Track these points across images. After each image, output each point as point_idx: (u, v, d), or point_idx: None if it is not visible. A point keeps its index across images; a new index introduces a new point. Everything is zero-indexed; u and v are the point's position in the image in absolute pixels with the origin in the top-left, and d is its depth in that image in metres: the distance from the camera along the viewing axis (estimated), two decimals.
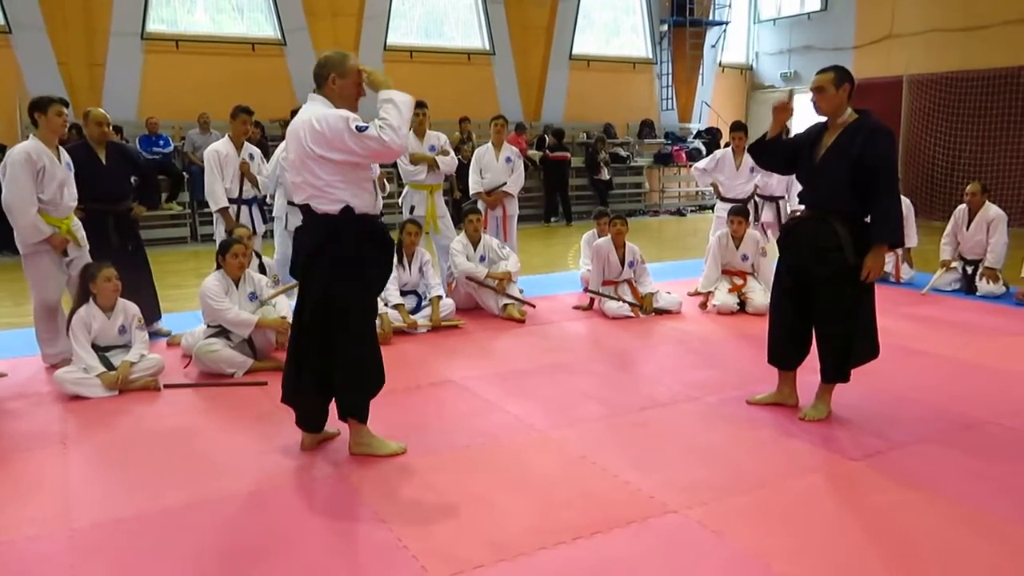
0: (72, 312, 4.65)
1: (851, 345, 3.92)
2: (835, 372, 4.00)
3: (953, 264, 7.38)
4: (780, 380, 4.24)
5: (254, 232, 5.99)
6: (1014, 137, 12.39)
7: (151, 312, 5.68)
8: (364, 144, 3.20)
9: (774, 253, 7.29)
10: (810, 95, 3.97)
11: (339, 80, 3.35)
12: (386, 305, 5.73)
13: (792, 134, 4.23)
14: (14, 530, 2.95)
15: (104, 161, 5.44)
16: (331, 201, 3.32)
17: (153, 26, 12.30)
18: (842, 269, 3.80)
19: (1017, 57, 12.42)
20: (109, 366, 4.53)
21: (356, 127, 3.18)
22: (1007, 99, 12.46)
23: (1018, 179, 12.26)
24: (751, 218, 6.94)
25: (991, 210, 7.24)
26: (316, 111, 3.30)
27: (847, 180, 3.75)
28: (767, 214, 7.42)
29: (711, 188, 7.72)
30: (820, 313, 3.96)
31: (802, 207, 4.10)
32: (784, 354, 4.17)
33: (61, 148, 4.94)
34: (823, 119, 3.96)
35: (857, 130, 3.81)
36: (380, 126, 3.20)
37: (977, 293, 7.09)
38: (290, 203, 6.08)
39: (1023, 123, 12.30)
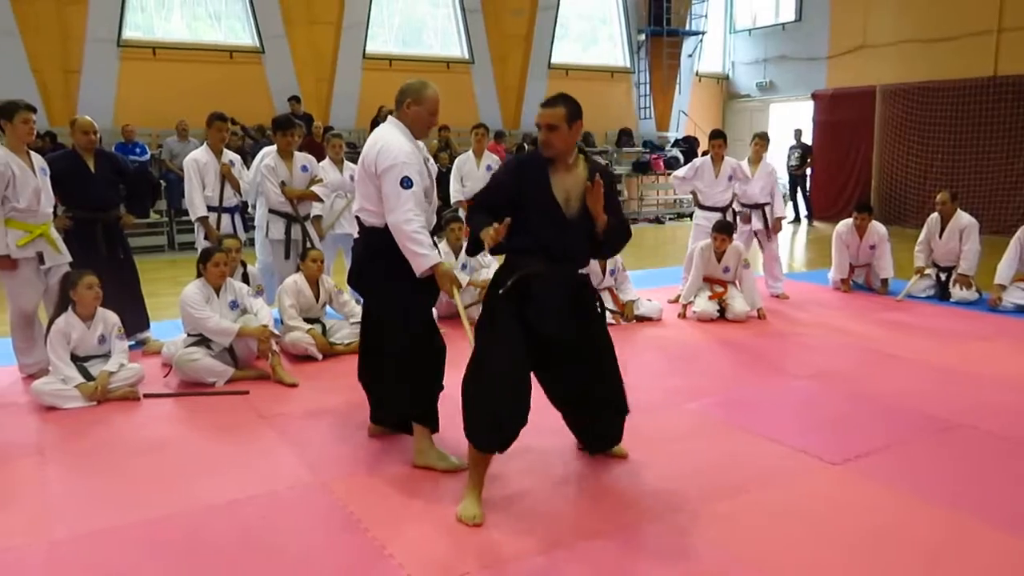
0: (51, 321, 4.59)
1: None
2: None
3: (927, 271, 7.51)
4: None
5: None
6: (985, 146, 12.63)
7: (139, 321, 5.64)
8: (395, 196, 3.29)
9: (756, 264, 7.40)
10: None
11: (414, 106, 3.44)
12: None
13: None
14: None
15: (93, 169, 5.39)
16: (378, 216, 3.41)
17: (129, 33, 12.20)
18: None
19: (986, 67, 12.69)
20: (88, 376, 4.48)
21: (403, 179, 3.29)
22: (977, 109, 12.70)
23: (989, 187, 12.49)
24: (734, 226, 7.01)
25: (963, 218, 7.38)
26: (388, 135, 3.42)
27: None
28: (756, 222, 7.51)
29: (690, 196, 7.79)
30: None
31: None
32: None
33: (34, 154, 4.89)
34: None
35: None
36: (413, 227, 3.29)
37: (951, 299, 7.21)
38: (271, 211, 6.06)
39: (993, 132, 12.54)
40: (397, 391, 3.59)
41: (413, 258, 3.32)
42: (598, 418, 3.55)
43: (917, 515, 3.09)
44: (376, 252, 3.48)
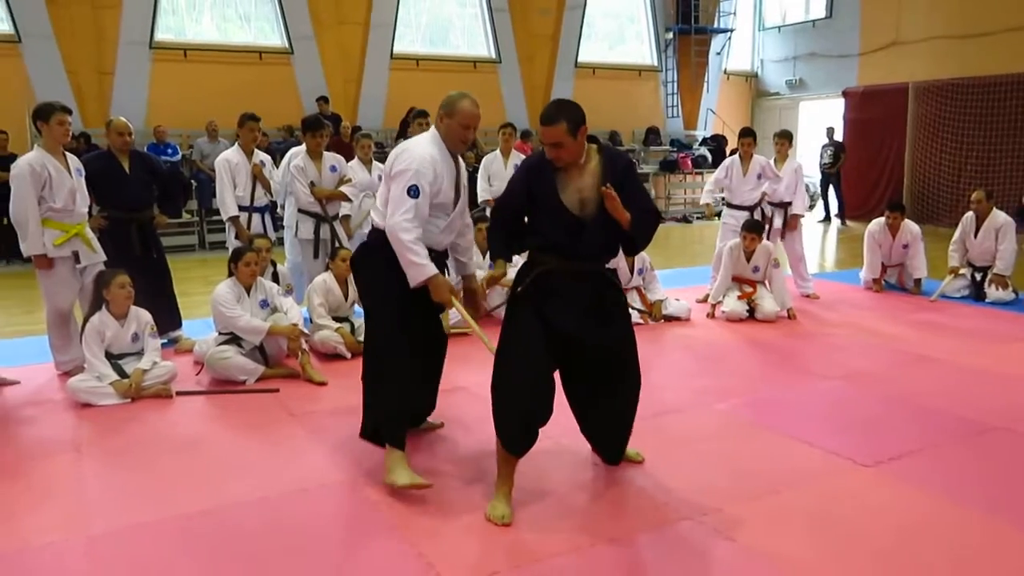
0: (85, 320, 4.67)
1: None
2: None
3: (962, 271, 7.38)
4: None
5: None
6: (1020, 143, 12.39)
7: (171, 320, 5.71)
8: (399, 201, 3.24)
9: (786, 263, 7.32)
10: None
11: (446, 119, 3.39)
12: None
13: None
14: (31, 537, 2.97)
15: (127, 170, 5.48)
16: (382, 216, 3.41)
17: (161, 35, 12.38)
18: None
19: (1021, 63, 12.44)
20: (122, 374, 4.55)
21: (410, 187, 3.24)
22: (1012, 106, 12.46)
23: None
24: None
25: (999, 217, 7.25)
26: (419, 143, 3.41)
27: None
28: (776, 220, 7.42)
29: (714, 199, 7.69)
30: None
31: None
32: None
33: (69, 155, 4.97)
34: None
35: None
36: (408, 237, 3.23)
37: (986, 299, 7.09)
38: (300, 211, 6.12)
39: None
40: (366, 394, 3.59)
41: (408, 267, 3.28)
42: (598, 431, 3.47)
43: (950, 518, 3.04)
44: (378, 249, 3.44)
